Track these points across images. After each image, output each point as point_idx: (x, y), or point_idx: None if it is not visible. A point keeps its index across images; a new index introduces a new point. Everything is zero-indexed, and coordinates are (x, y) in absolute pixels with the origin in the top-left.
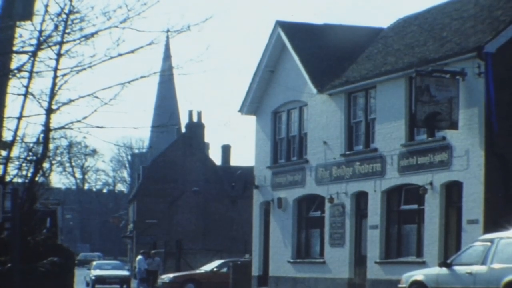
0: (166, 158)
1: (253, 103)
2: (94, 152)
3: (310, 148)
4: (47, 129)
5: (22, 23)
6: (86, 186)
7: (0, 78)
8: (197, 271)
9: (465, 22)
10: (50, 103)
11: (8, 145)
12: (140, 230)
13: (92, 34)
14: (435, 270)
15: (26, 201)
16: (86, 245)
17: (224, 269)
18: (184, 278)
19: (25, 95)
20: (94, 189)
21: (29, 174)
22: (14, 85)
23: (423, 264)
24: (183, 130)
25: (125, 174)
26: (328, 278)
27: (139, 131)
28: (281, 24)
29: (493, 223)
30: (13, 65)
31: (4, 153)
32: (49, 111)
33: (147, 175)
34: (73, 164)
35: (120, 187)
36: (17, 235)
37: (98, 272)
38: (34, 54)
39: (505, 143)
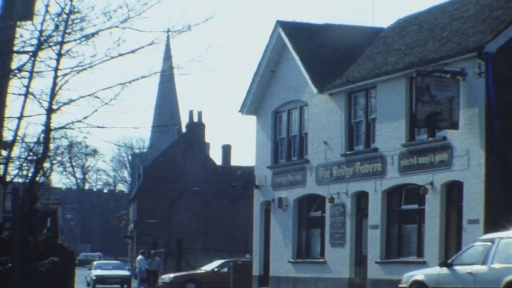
0: (167, 158)
1: (253, 103)
2: (94, 152)
3: (310, 148)
4: (47, 129)
5: (23, 23)
6: (86, 186)
7: (0, 78)
8: (198, 271)
9: (466, 22)
10: (50, 103)
11: (9, 145)
12: (141, 230)
13: (93, 34)
14: (436, 270)
15: (27, 201)
16: (86, 245)
17: (225, 269)
18: (185, 278)
19: (26, 95)
20: (94, 189)
21: (30, 174)
22: (15, 85)
23: (423, 264)
24: (184, 130)
25: (125, 174)
26: (328, 278)
27: (139, 131)
28: (281, 24)
29: (493, 223)
30: (14, 65)
31: (4, 153)
32: (50, 111)
33: (148, 175)
34: (74, 164)
35: (121, 187)
36: (17, 235)
37: (99, 272)
38: (34, 54)
39: (506, 143)
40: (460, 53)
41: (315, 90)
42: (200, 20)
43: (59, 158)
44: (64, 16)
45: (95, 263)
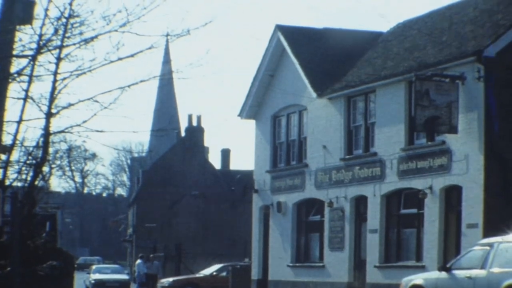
0: (166, 162)
1: (252, 107)
2: (93, 156)
3: (309, 152)
4: (46, 133)
5: (22, 27)
6: (85, 190)
7: (0, 82)
8: (197, 275)
9: (465, 26)
10: (49, 107)
11: (8, 149)
12: (140, 234)
13: (92, 38)
14: (435, 274)
15: (26, 205)
16: (85, 249)
17: (224, 273)
18: (184, 282)
19: (25, 99)
20: (93, 193)
21: (29, 178)
22: (14, 89)
23: (422, 268)
24: (183, 134)
25: (124, 178)
26: (327, 282)
27: (138, 135)
28: (280, 28)
29: (492, 227)
30: (13, 69)
31: (3, 157)
32: (49, 115)
33: (147, 179)
34: (73, 168)
35: (120, 191)
36: (16, 239)
37: (98, 276)
38: (34, 58)
39: (505, 147)
40: (459, 57)
41: (314, 94)
42: (200, 24)
43: (58, 162)
44: (64, 20)
45: (94, 267)
